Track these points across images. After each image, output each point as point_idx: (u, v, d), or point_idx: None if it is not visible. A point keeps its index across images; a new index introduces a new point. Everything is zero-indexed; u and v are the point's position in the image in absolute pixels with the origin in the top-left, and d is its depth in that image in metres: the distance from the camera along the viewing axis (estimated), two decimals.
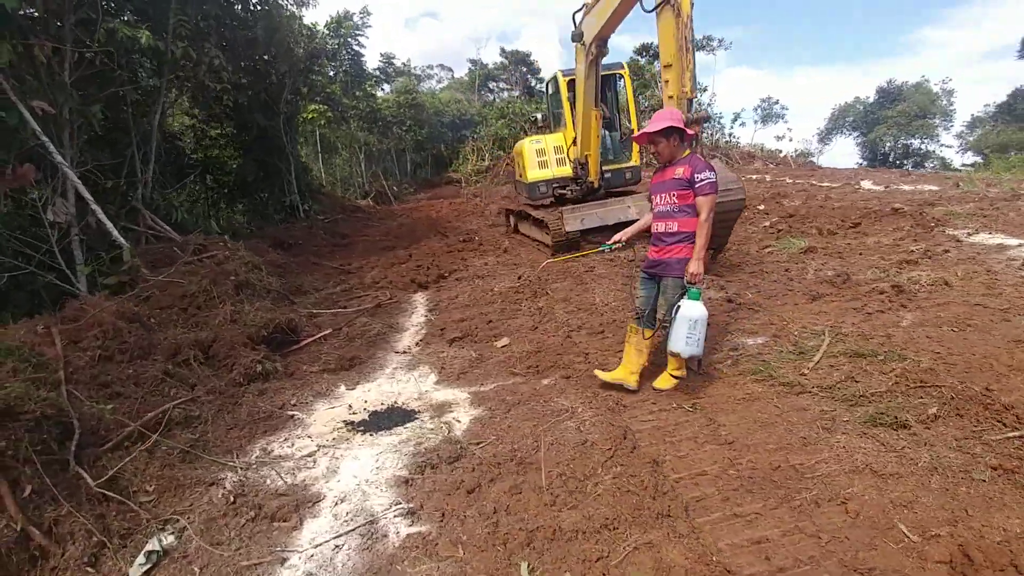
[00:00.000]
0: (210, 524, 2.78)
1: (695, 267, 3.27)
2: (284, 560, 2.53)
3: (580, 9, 6.41)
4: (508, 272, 7.23)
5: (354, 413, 3.99)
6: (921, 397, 3.02)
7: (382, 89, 19.93)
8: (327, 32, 11.80)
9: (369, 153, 21.14)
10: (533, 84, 37.45)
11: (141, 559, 2.56)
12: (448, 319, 5.80)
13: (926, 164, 29.52)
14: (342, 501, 2.96)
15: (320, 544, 2.63)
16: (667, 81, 4.60)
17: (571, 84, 7.81)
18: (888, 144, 32.17)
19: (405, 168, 23.08)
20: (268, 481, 3.19)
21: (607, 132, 7.88)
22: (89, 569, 2.53)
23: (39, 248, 5.68)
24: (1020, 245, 5.45)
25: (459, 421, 3.66)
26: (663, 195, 3.43)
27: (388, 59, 19.21)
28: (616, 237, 3.78)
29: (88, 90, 6.30)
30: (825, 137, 36.63)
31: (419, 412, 3.84)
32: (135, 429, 3.45)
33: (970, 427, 2.70)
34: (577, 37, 6.42)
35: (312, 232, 11.03)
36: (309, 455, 3.45)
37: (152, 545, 2.65)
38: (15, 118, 5.29)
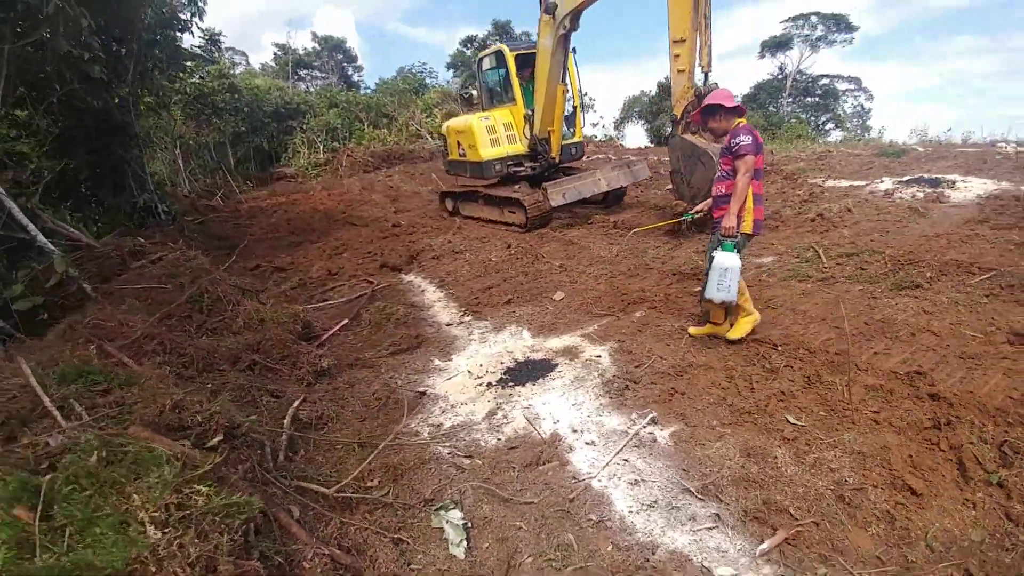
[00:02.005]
0: (483, 489, 2.76)
1: (727, 221, 3.56)
2: (587, 485, 2.72)
3: None
4: (483, 246, 7.43)
5: (480, 377, 4.03)
6: (914, 269, 4.46)
7: (205, 72, 16.98)
8: None
9: (185, 147, 17.99)
10: (351, 72, 35.68)
11: (455, 537, 2.49)
12: (471, 289, 5.89)
13: None
14: (577, 431, 3.18)
15: (606, 465, 2.87)
16: (677, 56, 5.38)
17: (520, 59, 8.14)
18: (668, 129, 38.77)
19: (228, 163, 20.16)
20: (483, 443, 3.20)
21: None
22: (413, 568, 2.37)
23: None
24: (866, 184, 7.81)
25: (599, 357, 4.03)
26: (722, 156, 3.76)
27: (212, 36, 16.46)
28: (699, 207, 4.19)
29: None
30: (620, 124, 42.83)
31: (552, 360, 4.08)
32: (288, 434, 3.06)
33: (962, 280, 4.17)
34: (551, 8, 6.67)
35: (187, 237, 9.35)
36: (491, 414, 3.49)
37: (454, 519, 2.57)
38: None
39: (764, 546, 2.21)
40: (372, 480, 2.84)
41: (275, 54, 34.16)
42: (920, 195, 6.54)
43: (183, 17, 9.33)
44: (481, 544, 2.48)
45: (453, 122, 9.42)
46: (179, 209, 10.62)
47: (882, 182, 7.57)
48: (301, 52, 33.94)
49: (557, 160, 8.19)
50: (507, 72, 8.19)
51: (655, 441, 3.03)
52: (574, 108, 8.21)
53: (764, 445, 2.87)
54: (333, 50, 34.49)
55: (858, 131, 33.78)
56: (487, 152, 8.21)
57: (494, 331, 4.74)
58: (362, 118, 23.92)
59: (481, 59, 8.91)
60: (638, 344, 4.12)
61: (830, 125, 34.69)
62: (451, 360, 4.39)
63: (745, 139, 3.45)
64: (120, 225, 9.27)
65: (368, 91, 29.61)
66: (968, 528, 2.24)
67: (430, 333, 5.01)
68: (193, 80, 15.61)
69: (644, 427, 3.13)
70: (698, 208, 4.20)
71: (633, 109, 42.68)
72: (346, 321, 5.44)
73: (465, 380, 4.02)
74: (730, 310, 3.87)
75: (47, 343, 3.49)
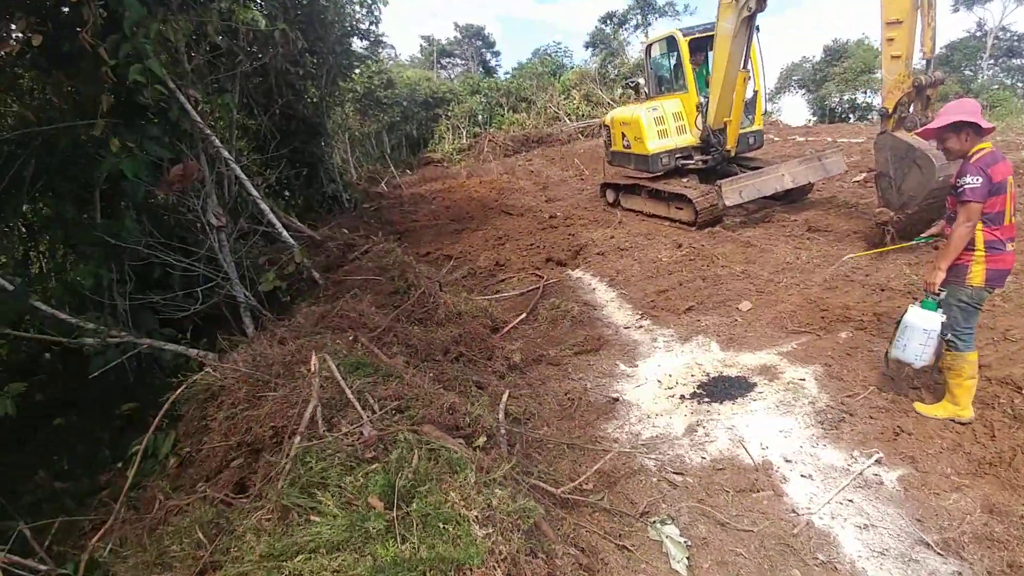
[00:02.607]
0: (698, 510, 2.86)
1: (931, 276, 3.13)
2: (809, 521, 2.68)
3: None
4: (649, 244, 7.41)
5: (671, 388, 4.10)
6: None
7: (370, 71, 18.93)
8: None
9: (352, 138, 20.20)
10: (489, 59, 36.95)
11: (676, 553, 2.62)
12: (645, 291, 5.94)
13: (868, 116, 31.72)
14: (790, 462, 3.13)
15: (827, 502, 2.80)
16: (891, 39, 4.79)
17: (693, 44, 7.81)
18: (835, 99, 34.55)
19: (385, 151, 22.24)
20: (688, 460, 3.29)
21: None
22: (643, 566, 2.55)
23: (193, 254, 5.20)
24: None
25: (803, 381, 3.88)
26: (949, 198, 3.24)
27: (378, 38, 18.18)
28: (932, 231, 3.60)
29: (211, 77, 5.73)
30: (774, 97, 38.93)
31: (749, 379, 4.02)
32: (507, 430, 3.40)
33: None
34: None
35: (366, 223, 10.58)
36: (691, 430, 3.56)
37: (673, 535, 2.70)
38: (175, 110, 4.77)
39: None
40: (588, 484, 3.09)
41: (420, 45, 36.40)
42: None
43: (362, 27, 10.44)
44: (701, 564, 2.61)
45: (618, 113, 9.40)
46: (358, 198, 11.99)
47: None
48: (444, 42, 35.77)
49: (732, 153, 7.77)
50: (679, 58, 7.90)
51: (881, 484, 2.90)
52: (755, 93, 7.64)
53: (1009, 503, 2.63)
54: (472, 37, 35.85)
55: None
56: (654, 145, 8.05)
57: (679, 340, 4.77)
58: (502, 103, 24.71)
59: (650, 46, 8.70)
60: (848, 370, 3.89)
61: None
62: (637, 367, 4.52)
63: (973, 181, 2.90)
64: (313, 213, 10.77)
65: (507, 76, 30.34)
66: None
67: (609, 335, 5.18)
68: (362, 79, 17.32)
69: (868, 466, 2.99)
70: (931, 232, 3.66)
71: (792, 78, 38.48)
72: (524, 316, 5.83)
73: (656, 390, 4.14)
74: (950, 388, 3.26)
75: (298, 326, 4.26)
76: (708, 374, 4.20)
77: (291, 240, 5.46)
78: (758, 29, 6.81)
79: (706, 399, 3.88)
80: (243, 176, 5.12)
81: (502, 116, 24.44)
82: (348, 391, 2.64)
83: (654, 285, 6.06)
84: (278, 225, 5.36)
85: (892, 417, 3.35)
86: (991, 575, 2.28)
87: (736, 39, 6.59)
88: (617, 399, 4.05)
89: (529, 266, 7.51)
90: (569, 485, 2.89)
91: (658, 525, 2.79)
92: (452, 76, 34.75)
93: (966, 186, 2.94)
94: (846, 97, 35.65)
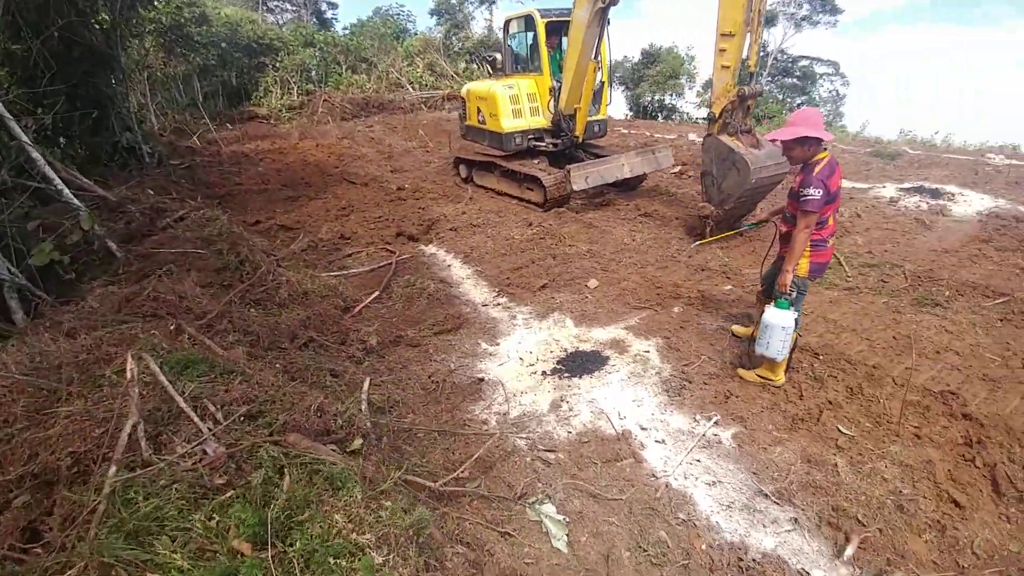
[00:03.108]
0: (572, 485, 2.94)
1: (782, 279, 3.38)
2: (667, 483, 2.95)
3: None
4: (501, 222, 7.41)
5: (532, 365, 4.17)
6: (933, 287, 4.85)
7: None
8: None
9: (153, 80, 16.59)
10: (324, 9, 33.43)
11: (556, 531, 2.67)
12: (500, 268, 5.94)
13: (673, 117, 36.03)
14: (645, 429, 3.39)
15: (679, 464, 3.10)
16: (723, 50, 5.33)
17: (551, 27, 7.83)
18: (648, 98, 38.48)
19: (196, 98, 18.75)
20: (556, 436, 3.37)
21: None
22: (526, 561, 2.54)
23: None
24: (869, 188, 8.19)
25: (647, 352, 4.23)
26: (788, 199, 3.55)
27: None
28: (761, 217, 4.16)
29: None
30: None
31: (602, 353, 4.25)
32: (371, 422, 3.11)
33: (977, 302, 4.57)
34: None
35: (175, 183, 8.84)
36: (556, 406, 3.65)
37: (551, 514, 2.74)
38: None
39: (849, 552, 2.50)
40: (463, 471, 2.96)
41: None
42: (924, 206, 6.96)
43: None
44: (579, 537, 2.68)
45: (474, 86, 9.09)
46: (162, 152, 9.95)
47: (884, 187, 7.97)
48: None
49: (580, 139, 8.11)
50: (535, 39, 7.88)
51: (720, 442, 3.28)
52: (601, 83, 8.01)
53: (821, 453, 3.17)
54: None
55: (831, 116, 34.78)
56: (509, 123, 8.00)
57: (537, 317, 4.85)
58: (340, 61, 22.69)
59: (508, 21, 8.52)
60: (683, 342, 4.33)
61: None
62: (499, 345, 4.49)
63: (814, 193, 3.16)
64: (102, 167, 8.66)
65: (346, 32, 27.95)
66: (1006, 540, 2.60)
67: (468, 313, 5.07)
68: (168, 9, 14.34)
69: (709, 428, 3.37)
70: (760, 218, 4.23)
71: (614, 74, 42.34)
72: (377, 294, 5.41)
73: (518, 368, 4.15)
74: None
75: (92, 312, 3.35)
76: (566, 350, 4.35)
77: (75, 200, 4.23)
78: (608, 22, 7.08)
79: (566, 374, 4.01)
80: (5, 113, 3.76)
81: (340, 75, 22.45)
82: (180, 399, 2.09)
83: (508, 262, 6.10)
84: (56, 180, 4.09)
85: (722, 382, 3.82)
86: (821, 518, 2.72)
87: (589, 28, 6.78)
88: (483, 379, 3.97)
89: (378, 240, 7.01)
90: (447, 477, 2.72)
91: (536, 506, 2.78)
92: (281, 22, 30.76)
93: (809, 197, 3.18)
94: (657, 97, 40.07)
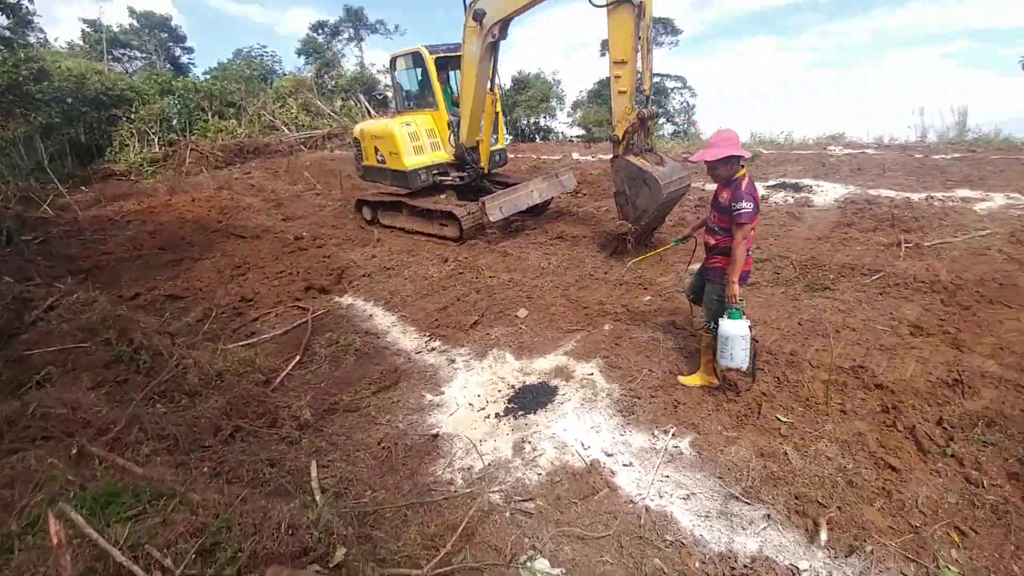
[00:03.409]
0: (556, 534, 2.86)
1: (731, 290, 3.47)
2: (646, 507, 2.97)
3: None
4: (415, 261, 7.19)
5: (483, 409, 4.05)
6: (819, 272, 5.44)
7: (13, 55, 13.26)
8: None
9: None
10: (179, 54, 30.91)
11: None
12: (426, 310, 5.74)
13: (549, 137, 37.75)
14: (611, 455, 3.40)
15: (651, 484, 3.14)
16: (618, 76, 5.62)
17: (440, 62, 7.82)
18: (524, 122, 39.98)
19: (41, 161, 16.24)
20: (528, 481, 3.27)
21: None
22: None
23: None
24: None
25: (592, 375, 4.28)
26: (712, 212, 3.72)
27: (24, 12, 12.78)
28: (686, 232, 4.29)
29: None
30: None
31: (550, 383, 4.23)
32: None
33: (857, 281, 5.19)
34: (479, 15, 6.49)
35: (33, 263, 7.54)
36: (519, 448, 3.55)
37: (545, 569, 2.64)
38: None
39: (823, 537, 2.65)
40: (443, 544, 2.74)
41: (83, 31, 28.29)
42: (791, 200, 7.87)
43: None
44: None
45: (369, 126, 8.83)
46: (11, 227, 8.48)
47: None
48: (116, 29, 28.56)
49: (487, 170, 8.15)
50: (426, 75, 7.88)
51: (681, 453, 3.37)
52: (496, 113, 8.14)
53: (770, 444, 3.37)
54: (155, 28, 29.59)
55: (685, 125, 38.52)
56: (411, 160, 7.87)
57: (476, 357, 4.73)
58: (204, 107, 21.05)
59: (395, 59, 8.42)
60: (622, 358, 4.44)
61: (662, 120, 38.84)
62: (444, 393, 4.30)
63: (747, 206, 3.35)
64: None
65: (207, 76, 26.10)
66: (943, 493, 2.91)
67: (402, 364, 4.81)
68: (3, 68, 12.42)
69: (668, 441, 3.45)
70: (686, 233, 4.36)
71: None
72: (298, 358, 4.97)
73: (470, 414, 4.00)
74: (705, 362, 3.90)
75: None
76: (513, 386, 4.27)
77: None
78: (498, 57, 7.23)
79: (520, 412, 3.92)
80: None
81: (205, 122, 20.81)
82: (117, 553, 1.70)
83: (433, 303, 5.92)
84: None
85: (667, 392, 3.94)
86: (789, 509, 2.85)
87: (482, 63, 6.89)
88: (437, 434, 3.76)
89: (287, 297, 6.48)
90: (432, 562, 2.50)
91: (529, 564, 2.65)
92: (131, 71, 27.92)
93: (743, 211, 3.35)
94: (532, 120, 41.75)
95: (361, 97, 26.08)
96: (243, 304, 6.44)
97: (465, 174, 8.13)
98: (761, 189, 8.76)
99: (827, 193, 7.96)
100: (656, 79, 40.20)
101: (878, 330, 4.38)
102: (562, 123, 39.11)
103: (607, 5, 5.45)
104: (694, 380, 4.00)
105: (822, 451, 3.27)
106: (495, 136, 8.25)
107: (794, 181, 8.73)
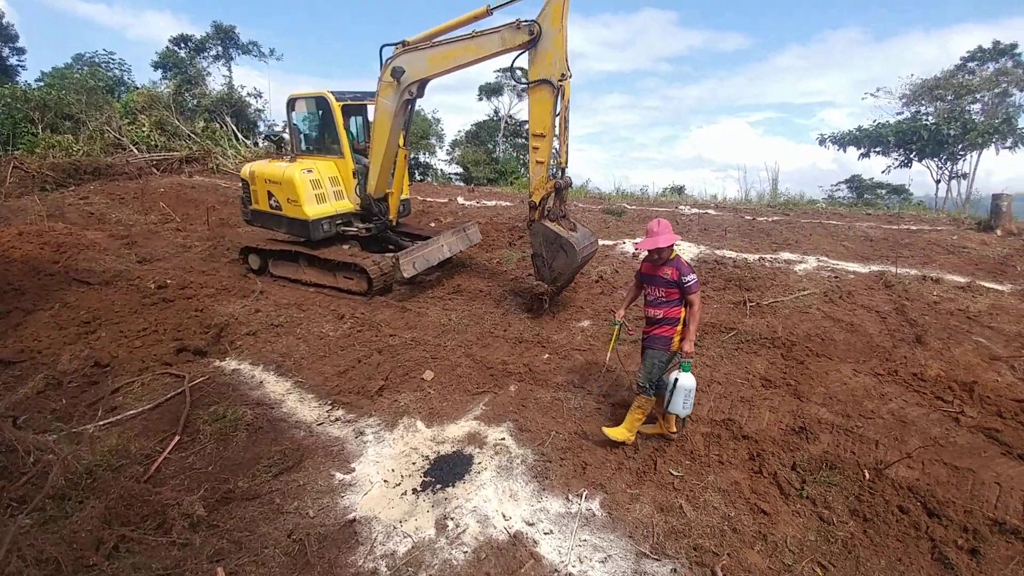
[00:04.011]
0: None
1: (688, 347, 3.97)
2: (569, 574, 3.17)
3: (394, 44, 6.54)
4: (306, 316, 6.77)
5: (399, 485, 3.98)
6: None
7: None
8: None
9: None
10: (7, 54, 25.83)
11: None
12: (324, 374, 5.46)
13: (428, 174, 38.37)
14: (531, 524, 3.57)
15: (571, 550, 3.35)
16: (537, 148, 5.93)
17: (346, 110, 7.54)
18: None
19: None
20: (455, 562, 3.30)
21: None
22: None
23: None
24: (614, 244, 9.99)
25: (504, 440, 4.43)
26: (655, 288, 4.11)
27: None
28: (620, 314, 4.49)
29: None
30: None
31: (464, 451, 4.30)
32: None
33: (717, 337, 6.01)
34: (397, 73, 6.48)
35: None
36: (441, 527, 3.55)
37: None
38: None
39: None
40: None
41: None
42: None
43: None
44: None
45: (260, 168, 8.05)
46: None
47: (624, 243, 9.88)
48: None
49: (395, 222, 7.99)
50: (331, 121, 7.56)
51: (594, 515, 3.63)
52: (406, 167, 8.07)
53: (667, 498, 3.78)
54: None
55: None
56: (313, 209, 7.43)
57: (386, 428, 4.61)
58: (34, 118, 17.88)
59: (294, 100, 7.94)
60: (530, 421, 4.65)
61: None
62: (354, 470, 4.13)
63: (694, 276, 3.99)
64: None
65: (40, 83, 22.29)
66: (804, 532, 3.50)
67: (303, 439, 4.52)
68: None
69: (582, 504, 3.69)
70: (621, 315, 4.50)
71: None
72: (177, 439, 4.42)
73: (386, 492, 3.89)
74: (631, 419, 4.23)
75: None
76: (428, 457, 4.24)
77: None
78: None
79: (438, 486, 3.91)
80: None
81: (34, 135, 17.70)
82: None
83: (331, 366, 5.65)
84: None
85: (575, 454, 4.22)
86: (690, 560, 3.20)
87: (396, 118, 6.87)
88: (353, 519, 3.60)
89: (153, 362, 5.72)
90: None
91: None
92: None
93: (693, 282, 3.97)
94: (412, 156, 41.70)
95: (228, 120, 24.10)
96: (96, 371, 5.56)
97: (372, 225, 7.92)
98: (629, 246, 9.78)
99: (684, 252, 9.11)
100: (528, 126, 43.19)
101: (738, 383, 5.13)
102: (441, 160, 39.75)
103: (528, 84, 5.84)
104: (617, 433, 4.23)
105: (709, 501, 3.74)
106: (401, 186, 8.19)
107: None
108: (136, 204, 14.96)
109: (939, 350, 5.55)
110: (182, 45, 26.33)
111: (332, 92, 7.52)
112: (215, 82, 27.12)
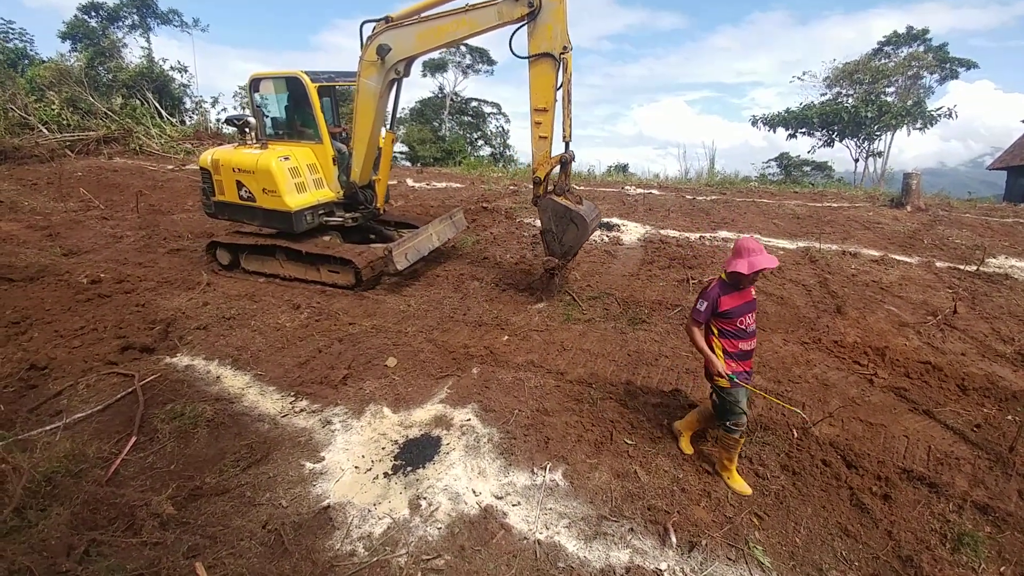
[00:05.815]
0: None
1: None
2: (537, 540, 3.44)
3: (376, 21, 6.20)
4: (260, 308, 6.62)
5: (370, 470, 4.11)
6: (637, 308, 6.59)
7: None
8: None
9: None
10: None
11: None
12: (284, 366, 5.44)
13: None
14: (500, 497, 3.81)
15: (538, 519, 3.63)
16: (539, 123, 5.85)
17: (322, 91, 7.12)
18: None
19: None
20: (431, 538, 3.50)
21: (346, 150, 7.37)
22: None
23: None
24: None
25: (470, 421, 4.64)
26: (751, 315, 3.71)
27: None
28: (726, 367, 3.75)
29: None
30: None
31: (432, 434, 4.47)
32: None
33: (665, 314, 6.43)
34: (382, 51, 6.17)
35: None
36: (415, 506, 3.73)
37: None
38: None
39: (673, 539, 3.40)
40: None
41: None
42: (606, 238, 9.25)
43: None
44: None
45: (225, 155, 7.39)
46: None
47: None
48: None
49: (383, 210, 7.74)
50: (308, 105, 7.08)
51: (558, 485, 3.92)
52: (379, 149, 7.60)
53: (623, 466, 4.11)
54: None
55: (501, 148, 41.26)
56: (294, 199, 6.99)
57: (354, 415, 4.70)
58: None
59: (258, 80, 7.32)
60: (494, 401, 4.87)
61: (480, 142, 41.01)
62: (324, 459, 4.21)
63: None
64: None
65: None
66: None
67: (269, 432, 4.54)
68: None
69: (546, 476, 3.96)
70: (729, 367, 3.78)
71: None
72: (134, 439, 4.34)
73: (358, 477, 4.01)
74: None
75: None
76: (397, 442, 4.38)
77: None
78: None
79: (409, 468, 4.07)
80: None
81: None
82: None
83: (291, 357, 5.63)
84: None
85: (538, 430, 4.48)
86: (645, 520, 3.54)
87: (381, 99, 6.64)
88: (328, 506, 3.71)
89: (97, 362, 5.50)
90: None
91: None
92: None
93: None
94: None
95: (150, 96, 22.44)
96: (34, 374, 5.29)
97: (358, 214, 7.65)
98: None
99: (632, 232, 9.56)
100: (474, 103, 42.06)
101: (684, 356, 5.55)
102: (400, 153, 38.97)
103: (529, 58, 5.77)
104: (738, 483, 3.91)
105: (660, 465, 4.11)
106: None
107: (606, 220, 10.26)
108: (51, 190, 13.89)
109: (856, 319, 6.20)
110: (93, 14, 24.13)
111: (306, 72, 7.05)
112: (132, 55, 25.12)
